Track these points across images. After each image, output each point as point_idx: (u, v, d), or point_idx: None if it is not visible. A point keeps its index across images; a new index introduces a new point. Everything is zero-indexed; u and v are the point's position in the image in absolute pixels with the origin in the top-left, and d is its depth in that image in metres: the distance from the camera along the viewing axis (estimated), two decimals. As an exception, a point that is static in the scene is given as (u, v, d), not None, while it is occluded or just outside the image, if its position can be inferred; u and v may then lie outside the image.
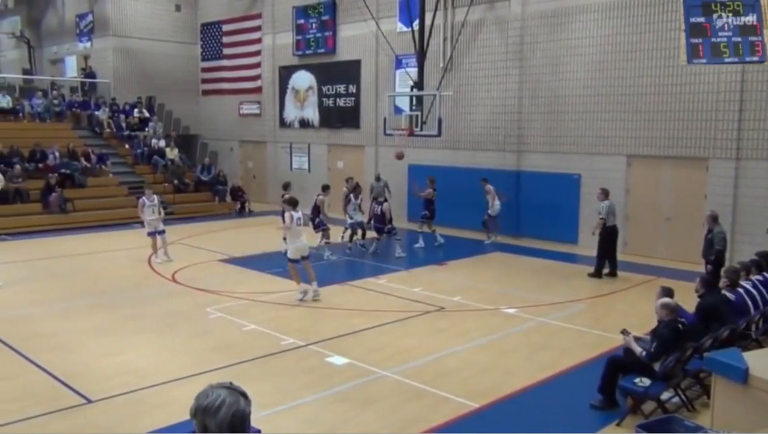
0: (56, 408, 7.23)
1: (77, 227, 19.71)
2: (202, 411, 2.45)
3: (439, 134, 17.62)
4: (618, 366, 7.24)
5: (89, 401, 7.45)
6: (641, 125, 16.05)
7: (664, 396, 7.17)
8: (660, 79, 15.54)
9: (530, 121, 18.18)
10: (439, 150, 20.03)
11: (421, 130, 17.73)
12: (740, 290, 8.49)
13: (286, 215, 11.92)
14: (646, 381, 6.89)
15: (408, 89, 19.35)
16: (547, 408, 7.50)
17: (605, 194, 14.01)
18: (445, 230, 18.71)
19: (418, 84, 18.46)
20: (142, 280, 13.58)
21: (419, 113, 17.74)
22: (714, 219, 11.96)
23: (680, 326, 7.14)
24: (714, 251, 11.60)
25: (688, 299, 8.77)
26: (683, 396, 7.29)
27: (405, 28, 19.92)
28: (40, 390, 7.77)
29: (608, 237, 13.86)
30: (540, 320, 10.79)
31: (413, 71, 18.98)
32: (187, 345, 9.52)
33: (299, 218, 11.90)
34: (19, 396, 7.57)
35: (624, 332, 7.64)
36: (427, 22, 18.32)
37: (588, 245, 16.78)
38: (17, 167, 20.30)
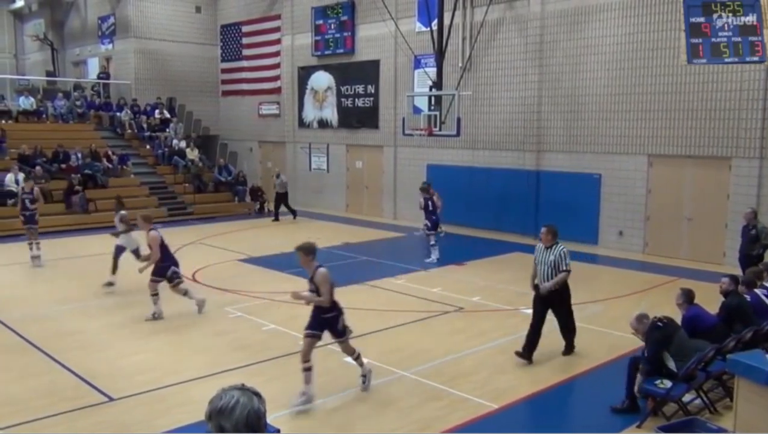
0: (79, 406, 7.34)
1: (99, 227, 19.92)
2: (217, 413, 2.46)
3: (458, 134, 17.58)
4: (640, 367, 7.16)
5: (111, 399, 7.55)
6: (663, 124, 15.89)
7: (686, 397, 7.11)
8: (682, 78, 15.38)
9: (550, 120, 18.08)
10: (458, 150, 19.99)
11: (440, 130, 17.70)
12: (756, 291, 8.39)
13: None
14: (667, 383, 6.83)
15: (427, 89, 19.32)
16: (566, 410, 7.47)
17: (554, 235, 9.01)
18: (463, 230, 18.70)
19: (437, 84, 18.43)
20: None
21: (438, 113, 17.71)
22: (755, 215, 12.40)
23: (660, 323, 7.13)
24: (759, 246, 11.90)
25: (708, 299, 8.68)
26: (705, 398, 7.22)
27: (424, 28, 19.89)
28: (63, 388, 7.89)
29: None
30: (559, 321, 10.71)
31: (432, 71, 18.96)
32: (207, 344, 9.59)
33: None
34: (44, 394, 7.69)
35: None
36: (446, 21, 18.28)
37: (608, 246, 16.69)
38: (38, 168, 20.59)
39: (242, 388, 2.53)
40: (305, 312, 11.09)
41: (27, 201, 15.43)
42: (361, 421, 7.06)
